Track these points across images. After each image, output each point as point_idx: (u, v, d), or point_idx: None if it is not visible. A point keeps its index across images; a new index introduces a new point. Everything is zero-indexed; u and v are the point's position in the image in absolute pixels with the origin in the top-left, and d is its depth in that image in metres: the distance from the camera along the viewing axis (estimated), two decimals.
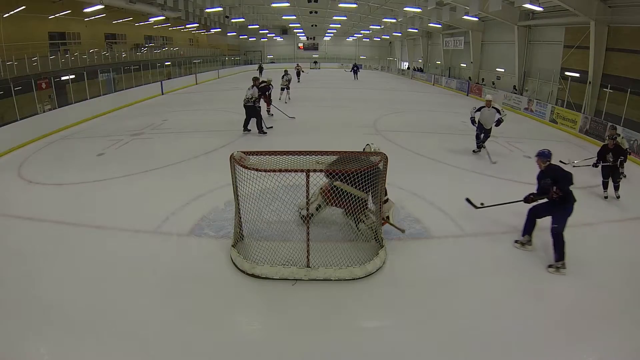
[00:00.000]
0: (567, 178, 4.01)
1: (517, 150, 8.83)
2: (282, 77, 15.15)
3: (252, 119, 9.31)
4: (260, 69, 27.97)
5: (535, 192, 4.21)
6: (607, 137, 6.21)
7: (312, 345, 3.04)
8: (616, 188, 6.19)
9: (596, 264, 4.19)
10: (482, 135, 8.09)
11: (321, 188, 4.49)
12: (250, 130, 9.53)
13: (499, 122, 7.90)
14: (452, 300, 3.56)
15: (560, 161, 6.19)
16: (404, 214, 5.15)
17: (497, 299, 3.60)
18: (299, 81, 21.04)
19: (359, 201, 4.12)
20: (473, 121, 8.04)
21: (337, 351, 2.97)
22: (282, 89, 14.86)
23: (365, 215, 4.42)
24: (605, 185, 6.21)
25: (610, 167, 6.01)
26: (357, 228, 4.42)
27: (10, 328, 3.10)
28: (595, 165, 6.20)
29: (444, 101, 17.26)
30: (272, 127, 10.07)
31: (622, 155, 6.03)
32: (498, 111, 7.82)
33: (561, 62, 14.24)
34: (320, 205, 4.54)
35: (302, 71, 23.14)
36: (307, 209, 3.84)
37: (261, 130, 9.40)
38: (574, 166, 6.41)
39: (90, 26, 19.16)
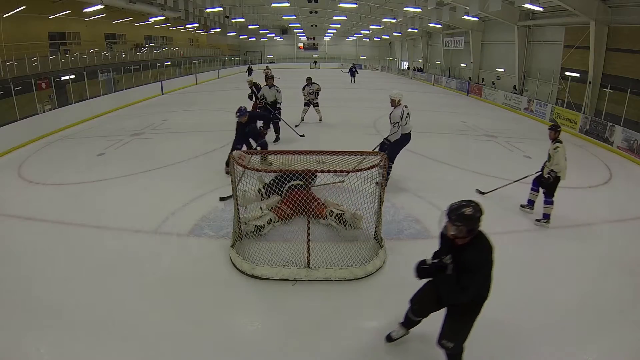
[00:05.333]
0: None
1: (517, 150, 8.83)
2: (304, 87, 10.31)
3: (274, 121, 8.37)
4: (250, 71, 26.67)
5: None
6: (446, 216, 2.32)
7: (313, 345, 3.03)
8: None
9: (595, 264, 4.20)
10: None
11: (272, 207, 4.65)
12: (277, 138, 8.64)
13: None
14: None
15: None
16: (404, 214, 5.15)
17: (497, 298, 3.58)
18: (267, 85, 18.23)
19: (311, 199, 4.11)
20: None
21: (338, 351, 2.96)
22: (307, 104, 10.30)
23: (333, 208, 4.56)
24: (408, 323, 2.82)
25: (434, 287, 2.64)
26: (342, 224, 4.47)
27: (11, 328, 3.10)
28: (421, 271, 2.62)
29: (444, 101, 17.26)
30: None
31: (468, 264, 2.34)
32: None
33: (561, 62, 14.25)
34: (272, 220, 4.59)
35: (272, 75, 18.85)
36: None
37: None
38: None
39: (90, 26, 19.20)
